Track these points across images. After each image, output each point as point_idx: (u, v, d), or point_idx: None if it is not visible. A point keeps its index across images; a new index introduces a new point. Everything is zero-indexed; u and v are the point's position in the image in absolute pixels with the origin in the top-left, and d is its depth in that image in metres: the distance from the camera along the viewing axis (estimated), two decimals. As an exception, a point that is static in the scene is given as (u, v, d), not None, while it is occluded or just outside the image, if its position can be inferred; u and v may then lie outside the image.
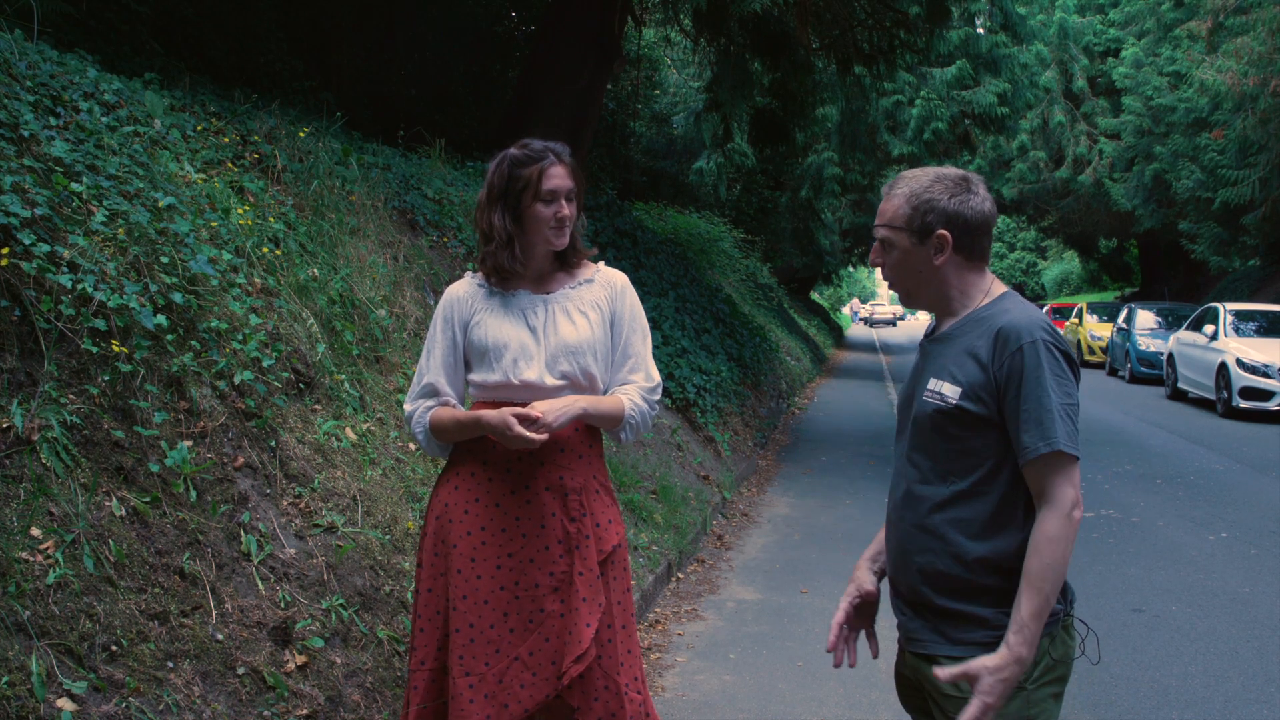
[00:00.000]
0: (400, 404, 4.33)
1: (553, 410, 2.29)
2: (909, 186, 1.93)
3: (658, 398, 2.53)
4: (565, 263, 2.49)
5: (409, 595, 3.40)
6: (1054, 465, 1.81)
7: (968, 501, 1.89)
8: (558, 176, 2.39)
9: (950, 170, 1.96)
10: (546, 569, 2.36)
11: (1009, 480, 1.87)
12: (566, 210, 2.40)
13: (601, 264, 2.58)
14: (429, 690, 2.40)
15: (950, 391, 1.88)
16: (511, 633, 2.35)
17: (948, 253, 1.92)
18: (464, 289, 2.50)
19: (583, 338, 2.41)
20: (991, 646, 1.86)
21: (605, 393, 2.47)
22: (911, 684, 2.04)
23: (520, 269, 2.43)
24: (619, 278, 2.54)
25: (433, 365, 2.47)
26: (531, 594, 2.36)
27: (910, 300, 2.02)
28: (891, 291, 2.06)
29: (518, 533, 2.36)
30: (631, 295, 2.54)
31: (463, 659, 2.33)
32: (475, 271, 2.54)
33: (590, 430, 2.44)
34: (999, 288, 1.97)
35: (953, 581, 1.89)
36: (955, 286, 1.96)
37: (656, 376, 2.53)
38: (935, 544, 1.90)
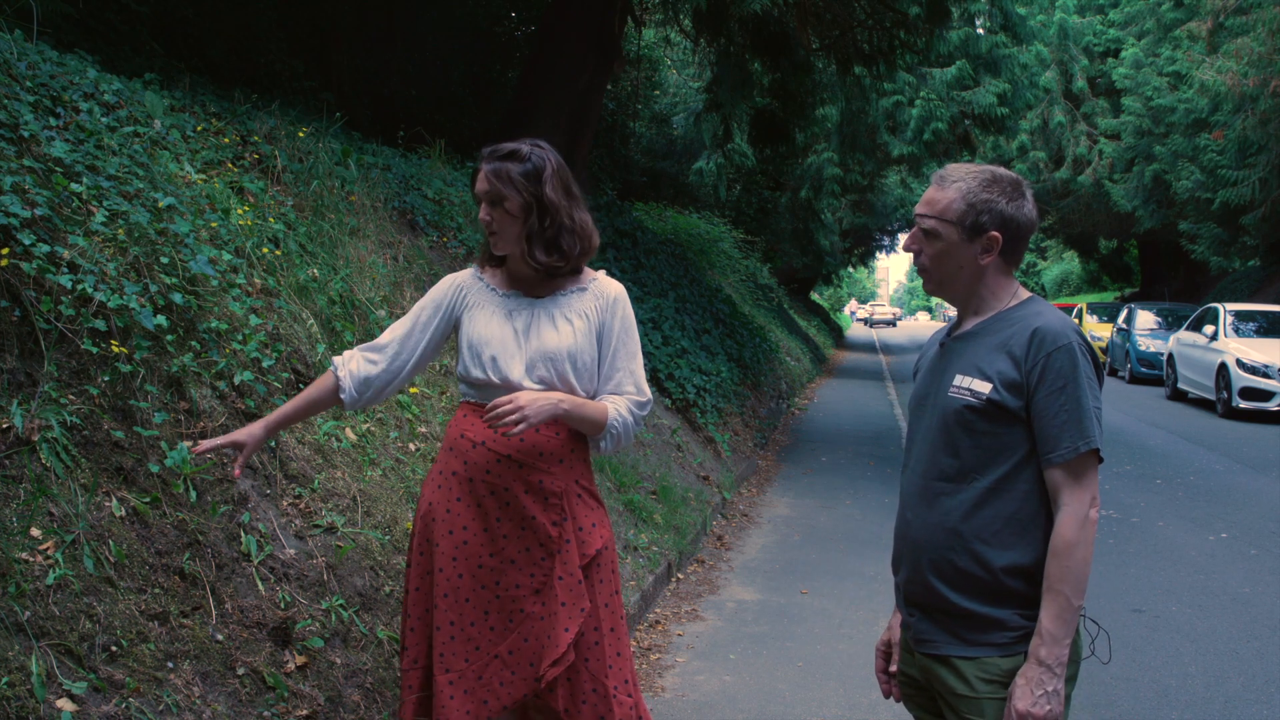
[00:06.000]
0: (400, 405, 4.34)
1: (535, 403, 2.26)
2: (966, 183, 1.94)
3: (645, 414, 2.48)
4: (547, 271, 2.38)
5: (409, 595, 3.40)
6: (1081, 466, 1.83)
7: (992, 500, 1.89)
8: (478, 180, 2.37)
9: (1004, 171, 1.97)
10: (528, 570, 2.36)
11: (1032, 478, 1.88)
12: (483, 215, 2.37)
13: (601, 273, 2.51)
14: (423, 688, 2.42)
15: (980, 386, 1.89)
16: (492, 630, 2.36)
17: (995, 253, 1.94)
18: (461, 278, 2.50)
19: (564, 344, 2.36)
20: (1007, 648, 1.87)
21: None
22: (920, 685, 2.04)
23: (496, 262, 2.46)
24: (612, 289, 2.46)
25: (395, 328, 2.50)
26: (512, 594, 2.36)
27: (939, 290, 2.02)
28: (919, 278, 2.08)
29: (499, 534, 2.36)
30: (623, 308, 2.45)
31: (443, 656, 2.34)
32: (477, 268, 2.53)
33: (574, 435, 2.40)
34: (1024, 292, 2.00)
35: (977, 583, 1.89)
36: (989, 286, 1.98)
37: (648, 392, 2.47)
38: (957, 543, 1.91)
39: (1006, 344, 1.90)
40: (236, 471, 2.42)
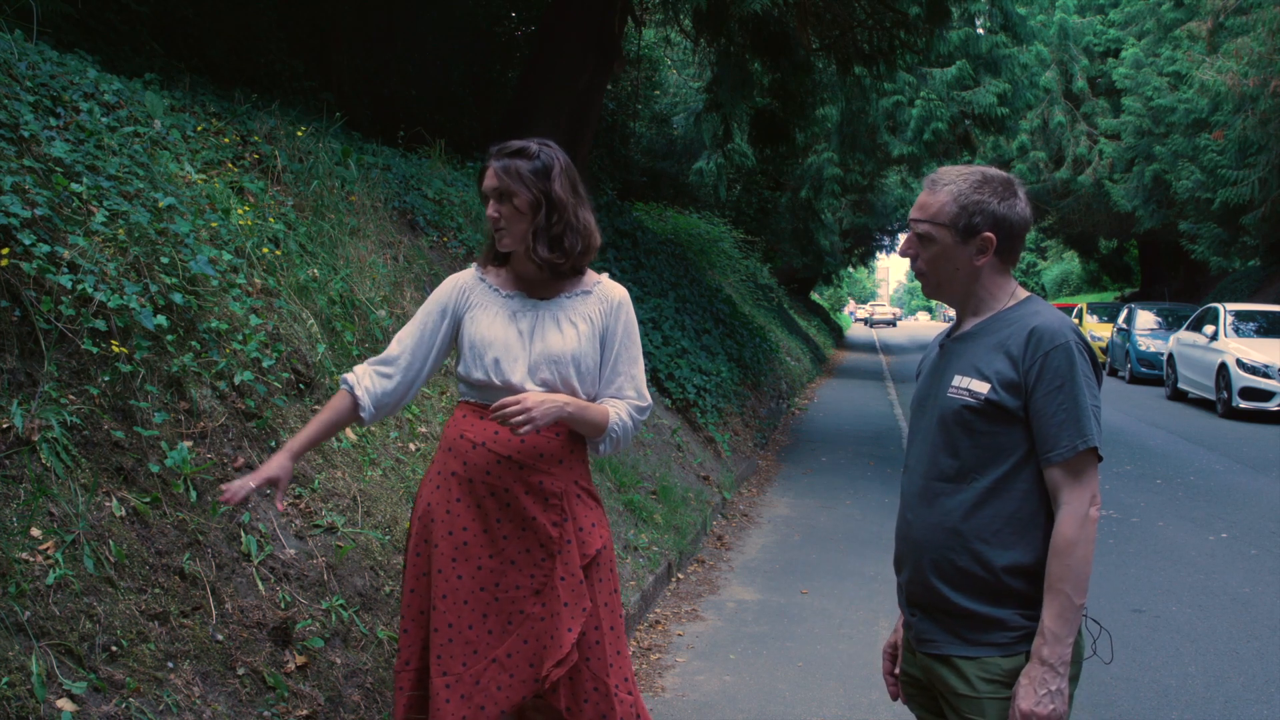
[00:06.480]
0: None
1: (541, 405, 2.26)
2: (957, 186, 1.94)
3: (644, 418, 2.50)
4: (553, 271, 2.40)
5: (409, 595, 3.41)
6: (1080, 464, 1.84)
7: (991, 500, 1.90)
8: (486, 177, 2.38)
9: (996, 172, 1.98)
10: (528, 571, 2.36)
11: (1032, 477, 1.89)
12: (491, 211, 2.37)
13: (604, 276, 2.51)
14: (414, 689, 2.41)
15: (979, 387, 1.90)
16: (490, 634, 2.35)
17: (990, 254, 1.95)
18: (464, 279, 2.49)
19: (568, 348, 2.37)
20: (1008, 647, 1.87)
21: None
22: (921, 684, 2.05)
23: (500, 262, 2.46)
24: (616, 293, 2.48)
25: (402, 337, 2.47)
26: (512, 595, 2.35)
27: (937, 292, 2.03)
28: (917, 281, 2.08)
29: (499, 535, 2.35)
30: (627, 313, 2.47)
31: (440, 659, 2.33)
32: (479, 267, 2.52)
33: (573, 436, 2.41)
34: (1022, 292, 2.01)
35: (977, 583, 1.90)
36: (986, 287, 1.99)
37: (648, 397, 2.49)
38: (957, 543, 1.91)
39: (1004, 344, 1.91)
40: (280, 506, 2.39)
